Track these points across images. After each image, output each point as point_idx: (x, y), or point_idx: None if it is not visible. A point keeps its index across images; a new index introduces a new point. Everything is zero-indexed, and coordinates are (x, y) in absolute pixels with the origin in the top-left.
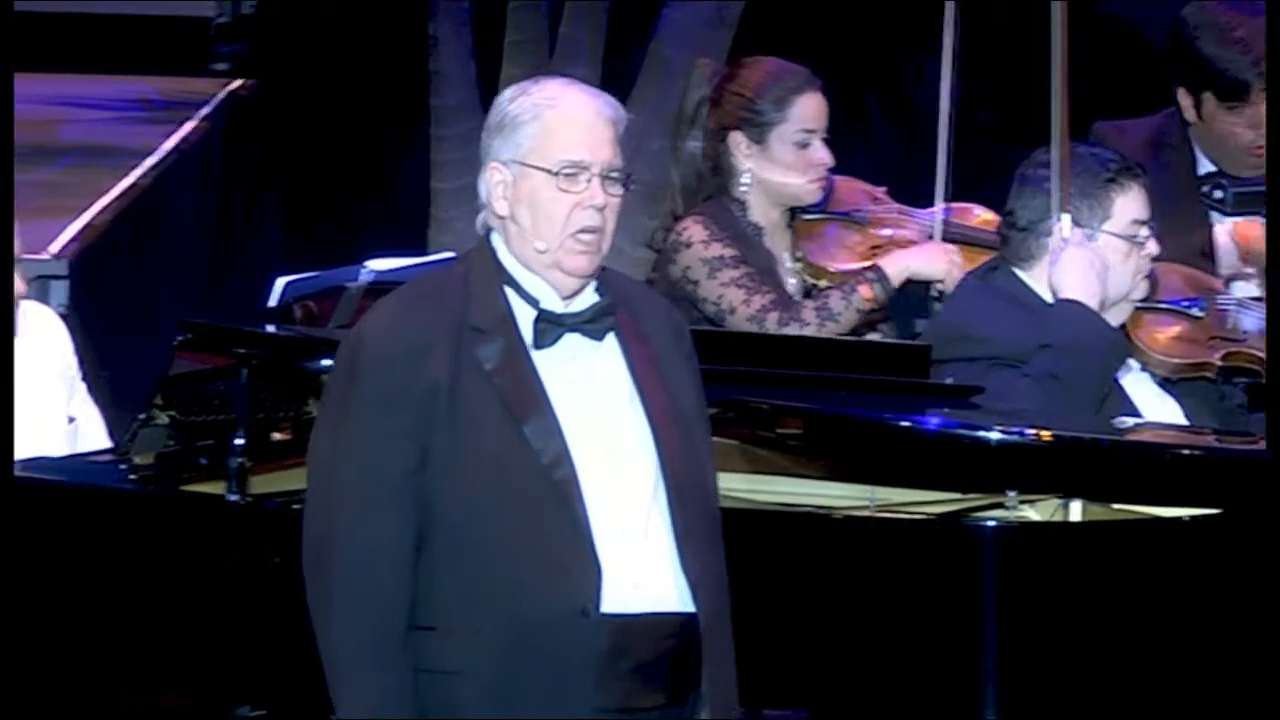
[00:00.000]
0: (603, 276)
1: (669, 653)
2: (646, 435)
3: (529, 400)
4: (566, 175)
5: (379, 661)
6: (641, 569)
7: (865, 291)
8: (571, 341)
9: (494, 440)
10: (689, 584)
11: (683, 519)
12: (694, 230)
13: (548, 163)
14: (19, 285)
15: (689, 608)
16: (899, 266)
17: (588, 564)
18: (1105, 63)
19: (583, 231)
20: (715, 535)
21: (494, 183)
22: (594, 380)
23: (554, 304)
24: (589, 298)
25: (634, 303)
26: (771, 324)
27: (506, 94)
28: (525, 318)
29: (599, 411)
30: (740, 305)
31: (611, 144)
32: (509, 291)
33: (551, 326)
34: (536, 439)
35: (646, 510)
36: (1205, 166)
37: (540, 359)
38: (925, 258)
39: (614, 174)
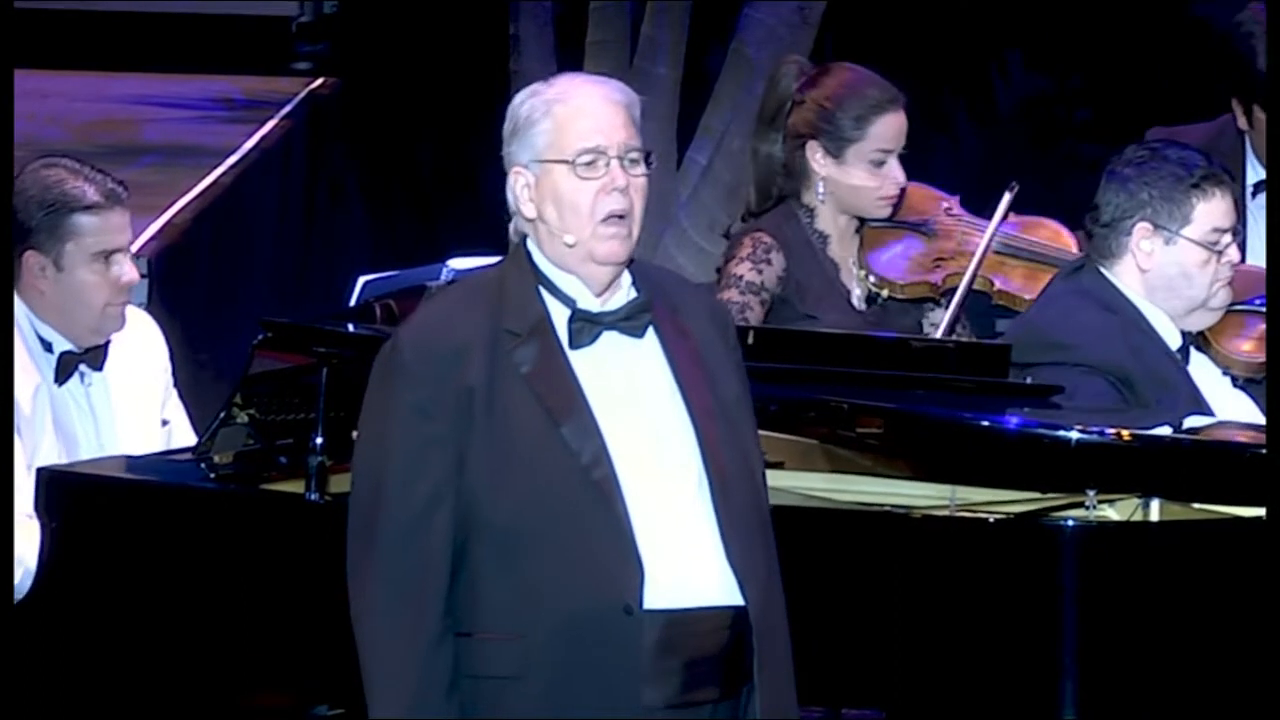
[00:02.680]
0: (640, 272)
1: (721, 646)
2: (688, 430)
3: (565, 401)
4: (585, 163)
5: (415, 665)
6: (686, 564)
7: None
8: (610, 340)
9: (532, 443)
10: (736, 577)
11: (727, 513)
12: (744, 246)
13: (565, 154)
14: (132, 274)
15: (738, 601)
16: None
17: (629, 562)
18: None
19: (610, 217)
20: (764, 527)
21: (518, 187)
22: (633, 377)
23: (589, 303)
24: (625, 295)
25: (674, 296)
26: None
27: (517, 98)
28: (561, 319)
29: (639, 409)
30: None
31: (625, 126)
32: (544, 293)
33: (588, 326)
34: (574, 439)
35: (690, 506)
36: (1260, 173)
37: (577, 359)
38: None
39: (633, 154)
